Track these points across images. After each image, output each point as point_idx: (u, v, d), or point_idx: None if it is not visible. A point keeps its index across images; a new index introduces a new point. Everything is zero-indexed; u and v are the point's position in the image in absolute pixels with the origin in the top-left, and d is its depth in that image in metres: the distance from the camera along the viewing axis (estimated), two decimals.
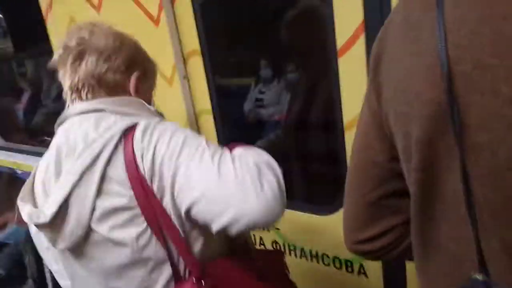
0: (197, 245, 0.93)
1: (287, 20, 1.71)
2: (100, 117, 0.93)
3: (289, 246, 1.65)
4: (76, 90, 0.98)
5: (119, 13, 1.70)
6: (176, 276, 0.92)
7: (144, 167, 0.86)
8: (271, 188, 0.83)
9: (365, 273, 1.47)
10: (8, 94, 3.54)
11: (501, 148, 0.53)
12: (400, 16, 0.64)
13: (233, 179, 0.82)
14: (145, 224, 0.88)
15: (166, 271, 0.92)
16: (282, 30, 1.79)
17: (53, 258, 1.04)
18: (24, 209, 0.91)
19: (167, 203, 0.87)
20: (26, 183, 0.98)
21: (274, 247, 1.70)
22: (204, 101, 1.69)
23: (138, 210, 0.87)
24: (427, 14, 0.58)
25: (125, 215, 0.87)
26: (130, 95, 1.01)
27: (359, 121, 0.75)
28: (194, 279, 0.91)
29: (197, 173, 0.84)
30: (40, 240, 1.02)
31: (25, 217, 0.90)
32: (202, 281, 0.91)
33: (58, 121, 0.99)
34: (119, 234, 0.88)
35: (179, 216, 0.88)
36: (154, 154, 0.86)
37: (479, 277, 0.57)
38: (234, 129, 2.11)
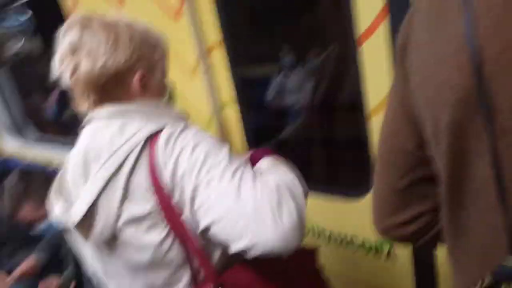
0: (216, 254, 0.95)
1: (309, 6, 1.70)
2: (125, 122, 0.93)
3: (318, 230, 1.67)
4: (85, 100, 0.96)
5: (142, 9, 1.74)
6: (194, 281, 0.94)
7: (166, 178, 0.87)
8: (290, 216, 0.82)
9: (393, 258, 1.48)
10: (38, 91, 3.67)
11: None
12: (425, 2, 0.64)
13: (251, 204, 0.81)
14: (167, 229, 0.89)
15: (188, 273, 0.94)
16: (304, 17, 1.79)
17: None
18: (55, 208, 0.95)
19: (186, 216, 0.88)
20: (56, 180, 1.00)
21: None
22: (227, 92, 1.71)
23: (161, 216, 0.89)
24: (452, 0, 0.58)
25: (148, 221, 0.89)
26: (137, 95, 0.97)
27: (387, 109, 0.76)
28: (211, 286, 0.93)
29: (216, 193, 0.83)
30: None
31: (54, 218, 0.95)
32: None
33: (84, 122, 0.99)
34: (144, 238, 0.90)
35: (197, 229, 0.88)
36: (175, 166, 0.86)
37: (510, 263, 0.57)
38: (258, 118, 2.13)
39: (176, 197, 0.87)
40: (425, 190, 0.74)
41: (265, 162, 1.01)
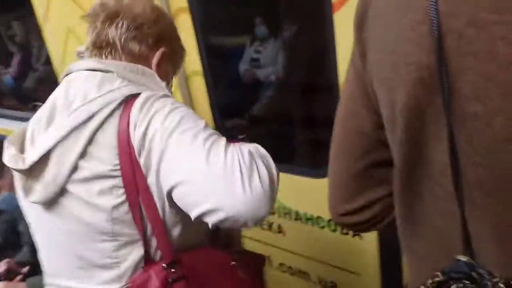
0: (175, 231, 0.89)
1: None
2: (106, 78, 0.89)
3: (284, 209, 1.64)
4: (99, 47, 0.95)
5: None
6: (146, 257, 0.88)
7: (135, 139, 0.82)
8: (261, 183, 0.77)
9: (359, 235, 1.46)
10: None
11: (497, 119, 0.47)
12: None
13: (221, 167, 0.77)
14: (124, 197, 0.84)
15: (137, 251, 0.88)
16: None
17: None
18: (8, 151, 0.88)
19: (151, 181, 0.83)
20: (18, 129, 0.95)
21: None
22: (194, 62, 1.62)
23: (119, 181, 0.83)
24: None
25: (104, 183, 0.83)
26: (151, 68, 0.98)
27: (345, 86, 0.69)
28: (164, 264, 0.87)
29: (185, 156, 0.80)
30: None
31: (5, 160, 0.87)
32: (172, 268, 0.87)
33: (64, 72, 0.95)
34: (94, 200, 0.84)
35: (161, 197, 0.84)
36: (147, 128, 0.82)
37: (463, 258, 0.53)
38: (228, 91, 2.05)
39: (142, 160, 0.82)
40: (382, 175, 0.69)
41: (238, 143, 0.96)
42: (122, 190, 0.83)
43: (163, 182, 0.82)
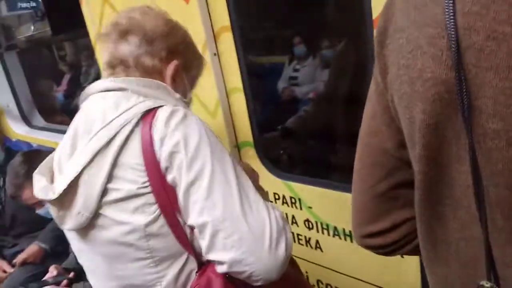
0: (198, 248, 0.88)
1: None
2: (121, 96, 0.89)
3: (322, 224, 1.63)
4: (112, 67, 0.96)
5: None
6: (199, 266, 0.89)
7: (161, 156, 0.82)
8: (286, 250, 0.81)
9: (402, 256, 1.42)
10: (49, 77, 3.67)
11: None
12: None
13: (256, 222, 0.79)
14: (157, 212, 0.84)
15: (176, 264, 0.88)
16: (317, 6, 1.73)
17: None
18: (38, 183, 0.91)
19: (179, 200, 0.83)
20: (46, 158, 0.97)
21: (307, 225, 1.68)
22: (235, 79, 1.66)
23: (150, 197, 0.83)
24: None
25: (135, 202, 0.84)
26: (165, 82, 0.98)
27: (367, 103, 0.68)
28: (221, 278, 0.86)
29: (220, 196, 0.79)
30: None
31: (36, 192, 0.90)
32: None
33: (81, 97, 0.97)
34: (127, 220, 0.85)
35: (186, 218, 0.85)
36: (174, 152, 0.81)
37: (486, 284, 0.51)
38: (266, 107, 2.08)
39: (170, 177, 0.83)
40: (407, 196, 0.65)
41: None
42: (154, 206, 0.84)
43: (191, 214, 0.82)
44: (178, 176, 0.82)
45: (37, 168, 0.95)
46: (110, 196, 0.84)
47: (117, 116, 0.85)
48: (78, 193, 0.85)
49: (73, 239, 0.96)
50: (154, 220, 0.84)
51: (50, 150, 2.39)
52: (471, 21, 0.45)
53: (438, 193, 0.56)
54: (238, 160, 1.08)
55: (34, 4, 3.33)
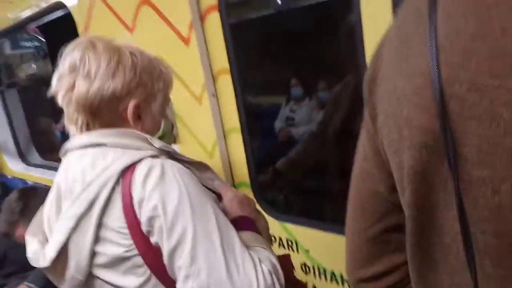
0: None
1: (319, 38, 1.70)
2: (98, 153, 0.87)
3: (319, 268, 1.59)
4: (73, 123, 0.92)
5: (151, 34, 1.74)
6: None
7: (142, 216, 0.80)
8: None
9: None
10: (47, 115, 3.70)
11: (503, 186, 0.44)
12: (394, 31, 0.58)
13: (240, 283, 0.77)
14: (147, 273, 0.83)
15: None
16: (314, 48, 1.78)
17: None
18: (30, 245, 0.90)
19: (164, 262, 0.81)
20: (35, 217, 0.96)
21: (304, 269, 1.64)
22: (233, 119, 1.68)
23: (138, 259, 0.82)
24: (418, 28, 0.51)
25: (124, 265, 0.83)
26: (130, 124, 0.93)
27: (359, 145, 0.68)
28: None
29: (205, 261, 0.77)
30: None
31: (29, 256, 0.90)
32: None
33: (60, 152, 0.95)
34: (119, 282, 0.84)
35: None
36: (154, 210, 0.79)
37: None
38: (263, 148, 2.09)
39: (153, 239, 0.81)
40: (400, 239, 0.64)
41: (248, 235, 0.94)
42: (143, 268, 0.83)
43: (177, 279, 0.80)
44: (160, 240, 0.80)
45: (28, 228, 0.94)
46: (99, 260, 0.84)
47: (95, 178, 0.83)
48: (69, 258, 0.85)
49: None
50: (146, 281, 0.83)
51: (46, 188, 2.38)
52: (454, 72, 0.46)
53: (428, 238, 0.56)
54: (226, 191, 1.06)
55: (37, 44, 3.42)
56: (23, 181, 3.24)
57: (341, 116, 1.71)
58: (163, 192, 0.80)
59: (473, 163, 0.47)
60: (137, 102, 0.91)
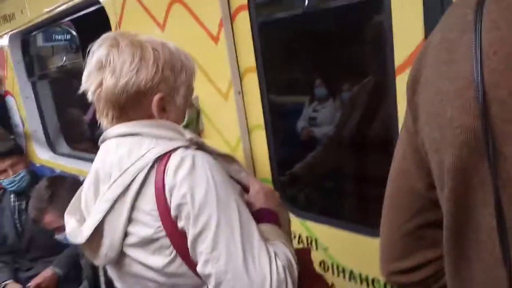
0: None
1: (346, 39, 1.70)
2: (135, 142, 0.93)
3: (337, 267, 1.61)
4: (104, 116, 0.97)
5: (182, 32, 1.79)
6: None
7: (172, 204, 0.86)
8: None
9: None
10: (76, 106, 3.80)
11: None
12: (438, 36, 0.61)
13: (254, 275, 0.81)
14: (173, 253, 0.89)
15: None
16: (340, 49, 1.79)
17: None
18: (68, 223, 0.98)
19: (188, 245, 0.87)
20: (74, 198, 1.04)
21: (322, 267, 1.66)
22: (257, 117, 1.71)
23: (165, 241, 0.88)
24: (463, 36, 0.55)
25: (152, 246, 0.89)
26: (156, 117, 0.97)
27: (398, 145, 0.72)
28: None
29: (222, 251, 0.82)
30: None
31: (68, 233, 0.98)
32: None
33: (100, 139, 1.01)
34: (147, 261, 0.91)
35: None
36: (183, 198, 0.85)
37: None
38: (286, 146, 2.11)
39: (180, 223, 0.87)
40: (435, 235, 0.68)
41: (269, 228, 0.98)
42: (170, 249, 0.89)
43: (198, 262, 0.85)
44: (186, 226, 0.86)
45: (68, 207, 1.02)
46: (131, 239, 0.91)
47: (131, 165, 0.89)
48: (104, 236, 0.92)
49: (108, 267, 1.04)
50: (172, 261, 0.89)
51: (74, 177, 2.46)
52: (496, 77, 0.50)
53: (464, 234, 0.59)
54: (253, 183, 1.09)
55: (69, 37, 3.52)
56: (51, 169, 3.35)
57: (357, 118, 1.72)
58: (192, 182, 0.85)
59: None
60: (161, 96, 0.96)
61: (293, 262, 0.90)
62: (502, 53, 0.50)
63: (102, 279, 1.78)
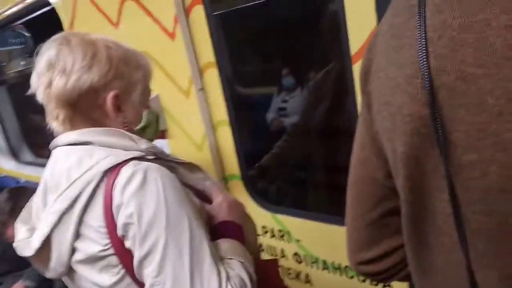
0: None
1: (305, 28, 1.69)
2: (85, 152, 0.88)
3: (311, 257, 1.61)
4: (55, 119, 0.93)
5: (136, 29, 1.73)
6: None
7: (118, 221, 0.82)
8: None
9: (390, 286, 1.41)
10: (38, 112, 3.67)
11: (491, 168, 0.48)
12: (386, 23, 0.61)
13: None
14: (122, 272, 0.85)
15: None
16: (302, 38, 1.77)
17: None
18: (19, 233, 0.93)
19: (134, 266, 0.83)
20: (26, 206, 1.00)
21: (296, 259, 1.66)
22: (221, 112, 1.68)
23: (114, 258, 0.84)
24: (409, 21, 0.54)
25: (100, 263, 0.85)
26: (111, 116, 0.94)
27: (356, 134, 0.72)
28: None
29: (169, 274, 0.79)
30: None
31: (16, 244, 0.93)
32: None
33: (50, 145, 0.97)
34: (95, 279, 0.87)
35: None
36: (130, 217, 0.80)
37: None
38: (254, 139, 2.09)
39: (127, 245, 0.83)
40: (399, 223, 0.68)
41: (228, 245, 0.95)
42: (118, 267, 0.85)
43: (144, 279, 0.82)
44: (132, 247, 0.82)
45: (19, 217, 0.97)
46: (78, 256, 0.87)
47: (80, 176, 0.85)
48: (52, 250, 0.88)
49: (63, 279, 0.99)
50: (120, 280, 0.86)
51: (35, 187, 2.37)
52: (442, 63, 0.49)
53: (422, 221, 0.59)
54: (217, 194, 1.07)
55: (23, 40, 3.38)
56: (16, 179, 3.23)
57: (323, 106, 1.71)
58: (140, 200, 0.81)
59: (462, 148, 0.49)
60: (115, 93, 0.92)
61: (248, 283, 0.87)
62: (446, 37, 0.49)
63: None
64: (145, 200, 0.81)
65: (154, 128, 1.10)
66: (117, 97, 0.92)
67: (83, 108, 0.91)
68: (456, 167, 0.51)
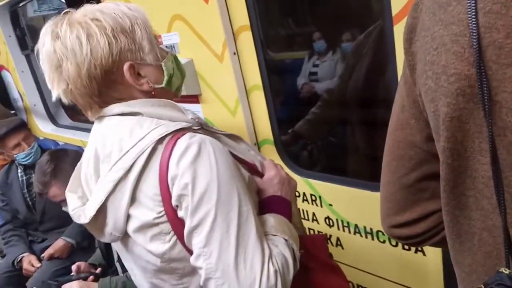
0: None
1: None
2: (135, 122, 0.89)
3: (342, 222, 1.63)
4: (88, 109, 0.94)
5: None
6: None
7: (173, 191, 0.84)
8: None
9: (422, 251, 1.42)
10: None
11: None
12: None
13: (243, 275, 0.80)
14: (174, 239, 0.88)
15: (197, 277, 0.89)
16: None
17: None
18: (70, 202, 0.96)
19: (184, 235, 0.86)
20: (73, 175, 1.01)
21: (327, 223, 1.68)
22: (255, 77, 1.67)
23: (165, 226, 0.87)
24: None
25: (152, 231, 0.88)
26: (136, 87, 0.93)
27: (396, 97, 0.70)
28: None
29: (216, 246, 0.81)
30: None
31: (70, 212, 0.96)
32: None
33: (98, 114, 0.96)
34: (148, 246, 0.89)
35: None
36: (184, 189, 0.82)
37: (505, 271, 0.52)
38: (287, 104, 2.08)
39: (179, 214, 0.86)
40: (435, 188, 0.67)
41: (275, 220, 0.96)
42: (170, 235, 0.87)
43: (193, 247, 0.84)
44: (184, 216, 0.85)
45: (68, 185, 1.00)
46: (132, 223, 0.89)
47: (132, 146, 0.86)
48: (107, 216, 0.90)
49: (114, 244, 1.03)
50: (172, 247, 0.88)
51: (76, 149, 2.46)
52: (492, 20, 0.47)
53: (462, 184, 0.58)
54: (270, 168, 1.08)
55: (58, 4, 3.42)
56: (54, 141, 3.36)
57: (357, 71, 1.67)
58: (195, 173, 0.83)
59: (508, 110, 0.48)
60: (129, 64, 0.90)
61: (290, 263, 0.89)
62: None
63: (114, 248, 1.81)
64: (199, 173, 0.83)
65: (179, 73, 1.06)
66: (132, 67, 0.91)
67: (108, 91, 0.91)
68: (500, 129, 0.49)
